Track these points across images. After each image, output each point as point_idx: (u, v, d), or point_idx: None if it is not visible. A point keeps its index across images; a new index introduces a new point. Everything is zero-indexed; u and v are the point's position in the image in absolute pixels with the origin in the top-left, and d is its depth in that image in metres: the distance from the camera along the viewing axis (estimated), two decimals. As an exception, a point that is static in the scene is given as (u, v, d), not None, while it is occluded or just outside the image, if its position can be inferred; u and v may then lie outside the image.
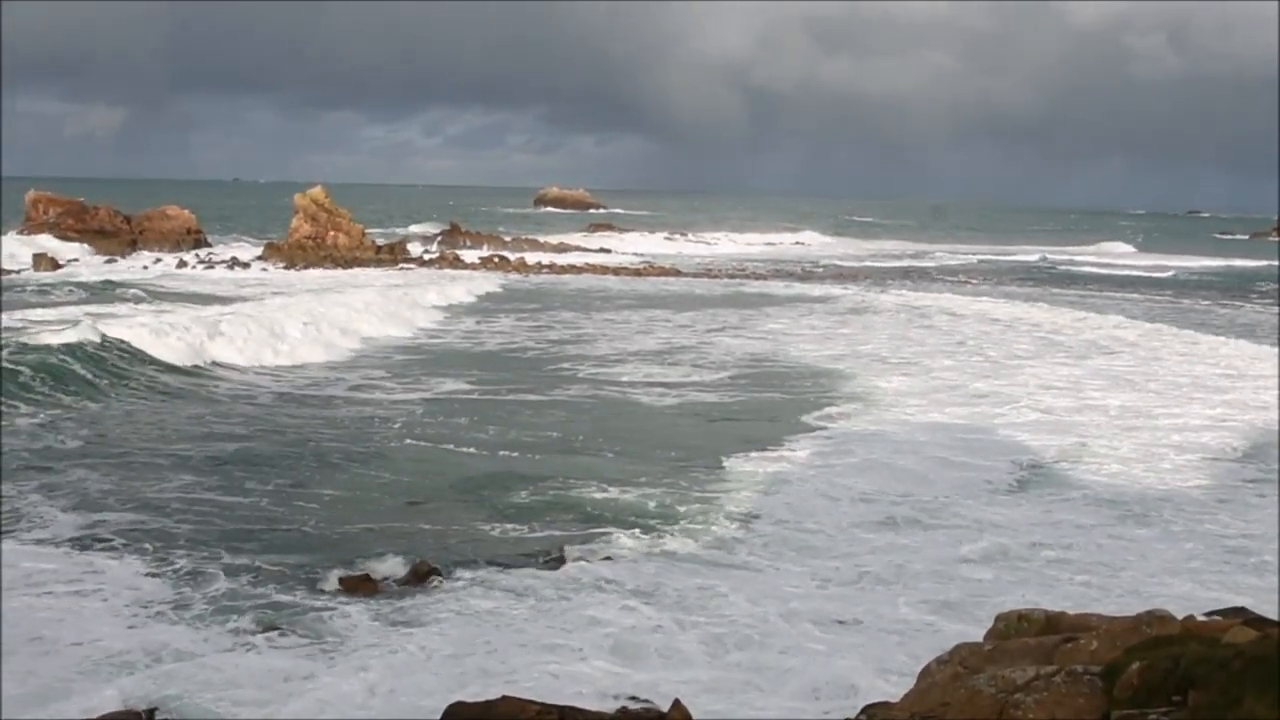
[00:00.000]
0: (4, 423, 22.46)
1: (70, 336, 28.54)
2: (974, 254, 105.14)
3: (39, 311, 39.31)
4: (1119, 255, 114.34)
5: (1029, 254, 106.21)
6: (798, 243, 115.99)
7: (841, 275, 74.58)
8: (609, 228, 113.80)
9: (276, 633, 12.52)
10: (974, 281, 72.88)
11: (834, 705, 11.04)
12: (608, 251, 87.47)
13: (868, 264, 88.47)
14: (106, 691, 10.90)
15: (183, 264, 62.93)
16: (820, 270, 79.04)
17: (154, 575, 14.39)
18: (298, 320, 35.92)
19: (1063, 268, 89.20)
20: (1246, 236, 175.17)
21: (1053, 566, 15.68)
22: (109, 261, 63.34)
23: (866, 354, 36.24)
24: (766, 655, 12.33)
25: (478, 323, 43.54)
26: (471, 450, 22.15)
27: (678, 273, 70.11)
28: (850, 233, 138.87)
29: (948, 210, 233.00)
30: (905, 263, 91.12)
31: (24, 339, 28.23)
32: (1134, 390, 30.29)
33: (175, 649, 12.03)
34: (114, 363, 28.62)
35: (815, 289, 62.03)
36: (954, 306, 52.90)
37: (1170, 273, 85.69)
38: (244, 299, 45.78)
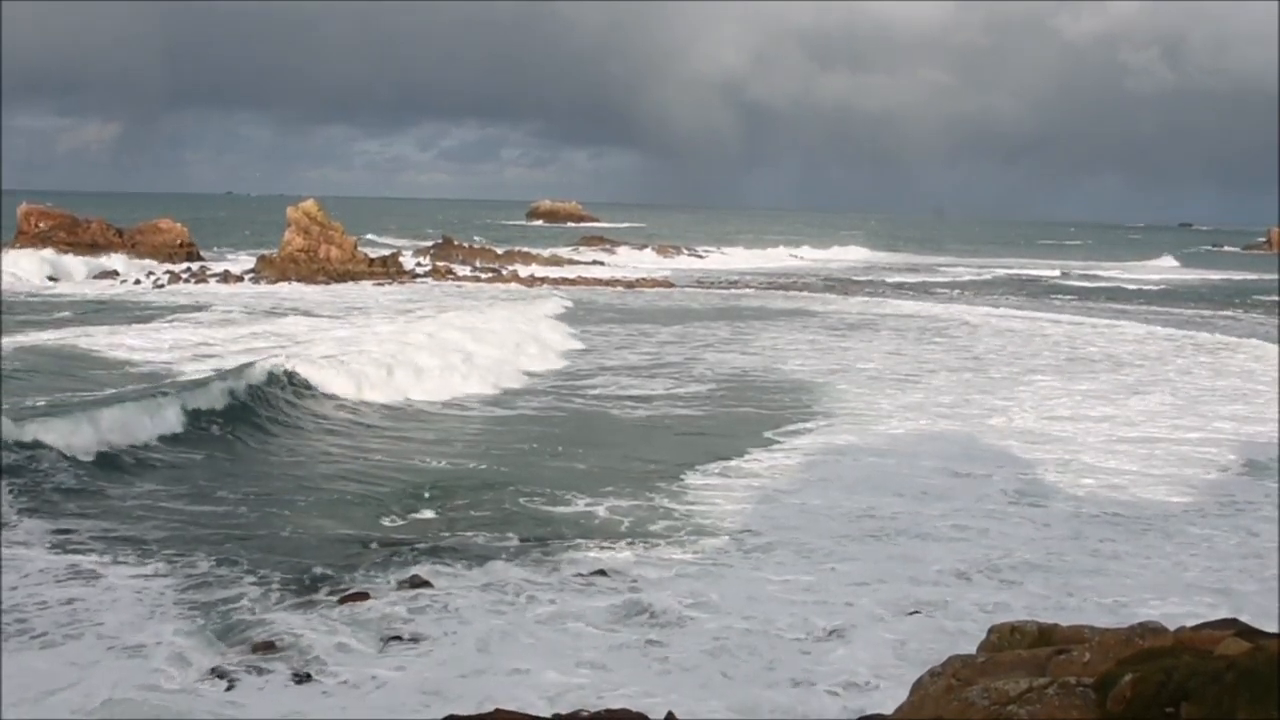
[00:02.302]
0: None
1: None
2: (996, 267, 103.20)
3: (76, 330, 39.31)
4: (1166, 270, 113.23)
5: (1055, 268, 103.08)
6: (793, 255, 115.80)
7: (845, 288, 73.87)
8: (602, 241, 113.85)
9: (271, 652, 12.45)
10: (990, 294, 72.11)
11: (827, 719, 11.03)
12: (601, 265, 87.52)
13: (871, 277, 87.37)
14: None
15: (175, 278, 62.78)
16: (824, 283, 77.97)
17: (153, 585, 14.36)
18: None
19: (1088, 283, 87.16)
20: (1238, 249, 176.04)
21: (1046, 578, 15.68)
22: (100, 276, 63.17)
23: (863, 369, 35.98)
24: (760, 665, 12.31)
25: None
26: (445, 464, 22.24)
27: (671, 285, 70.11)
28: (849, 244, 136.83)
29: (947, 214, 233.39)
30: (915, 277, 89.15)
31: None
32: (1141, 402, 30.31)
33: (168, 671, 12.00)
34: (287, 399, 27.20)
35: (816, 304, 61.41)
36: (966, 318, 52.71)
37: (1160, 287, 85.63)
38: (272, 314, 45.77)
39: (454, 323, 39.43)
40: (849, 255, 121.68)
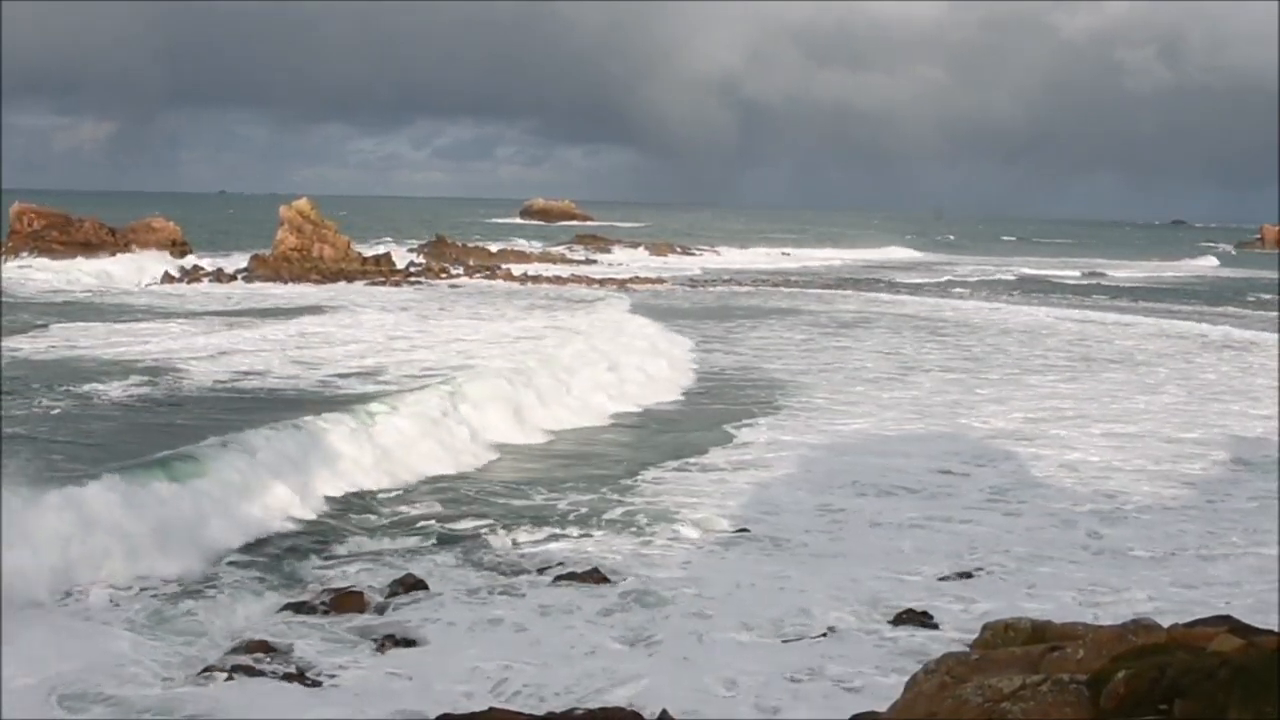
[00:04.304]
0: None
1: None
2: (1010, 266, 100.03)
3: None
4: (1206, 269, 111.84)
5: (1078, 268, 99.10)
6: (784, 253, 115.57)
7: (846, 286, 72.94)
8: (596, 240, 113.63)
9: (264, 652, 12.38)
10: (1002, 293, 70.92)
11: (821, 717, 11.02)
12: (594, 263, 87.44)
13: (875, 276, 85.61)
14: None
15: (169, 278, 62.41)
16: (823, 282, 76.57)
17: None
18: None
19: (1110, 282, 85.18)
20: (1231, 246, 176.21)
21: (1039, 575, 15.68)
22: (93, 276, 62.75)
23: (853, 368, 35.63)
24: (751, 660, 12.29)
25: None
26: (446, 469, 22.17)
27: (664, 284, 69.85)
28: (847, 244, 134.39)
29: (947, 213, 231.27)
30: (921, 276, 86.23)
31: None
32: (1144, 400, 30.33)
33: (161, 669, 11.96)
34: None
35: (814, 302, 60.49)
36: (971, 317, 52.36)
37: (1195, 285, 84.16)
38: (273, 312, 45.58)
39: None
40: (847, 255, 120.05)
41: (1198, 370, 36.54)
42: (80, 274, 62.16)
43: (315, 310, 46.94)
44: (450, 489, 19.97)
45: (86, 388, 26.69)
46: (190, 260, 70.00)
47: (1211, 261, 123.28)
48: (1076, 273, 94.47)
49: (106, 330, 38.63)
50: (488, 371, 28.12)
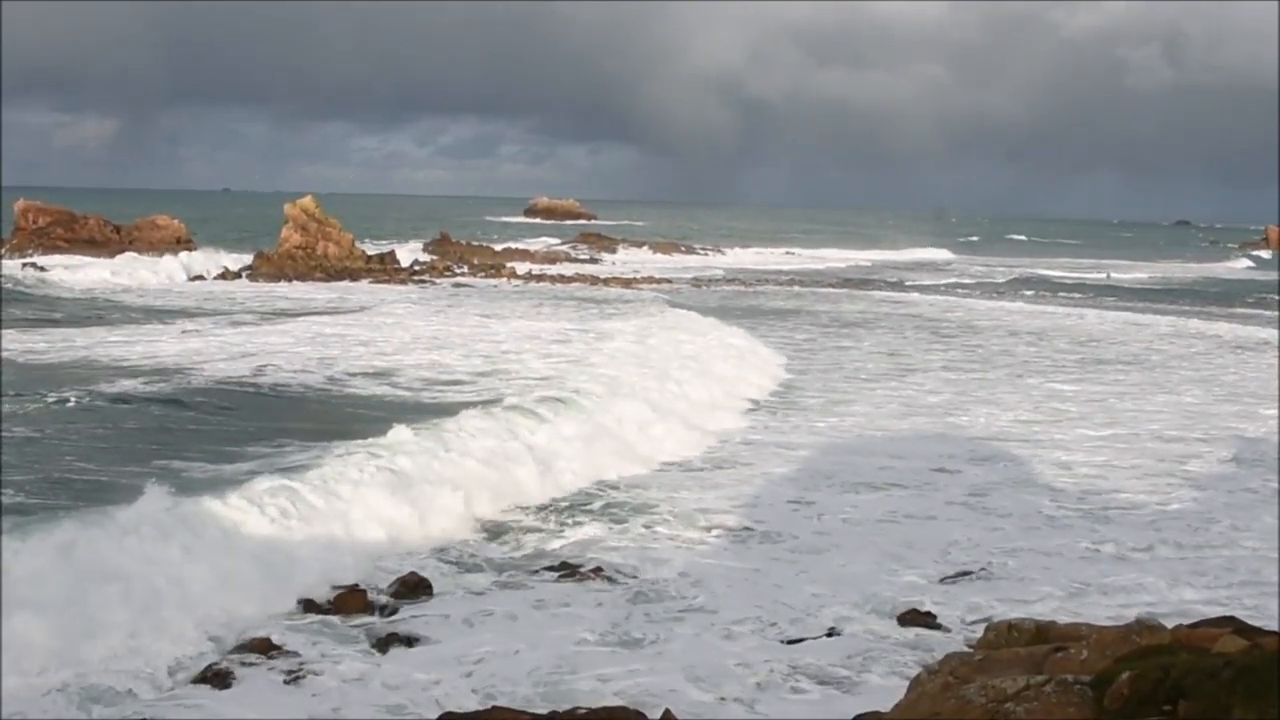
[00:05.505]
0: None
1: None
2: (1023, 267, 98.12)
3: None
4: (1238, 271, 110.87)
5: (1104, 269, 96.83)
6: (788, 252, 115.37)
7: (854, 286, 72.44)
8: (599, 238, 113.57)
9: (265, 651, 12.37)
10: (1013, 293, 70.08)
11: (824, 717, 11.02)
12: (598, 262, 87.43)
13: (882, 276, 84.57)
14: None
15: (176, 276, 62.30)
16: (829, 281, 75.47)
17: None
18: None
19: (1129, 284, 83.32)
20: (1235, 246, 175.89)
21: (1037, 575, 15.67)
22: (99, 276, 62.70)
23: (852, 368, 35.35)
24: (752, 659, 12.29)
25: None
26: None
27: (667, 282, 69.62)
28: (867, 245, 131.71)
29: (948, 212, 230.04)
30: (932, 277, 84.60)
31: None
32: (1148, 401, 30.18)
33: (161, 668, 11.95)
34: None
35: (821, 302, 59.85)
36: (977, 320, 51.88)
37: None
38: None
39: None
40: (852, 255, 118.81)
41: (1214, 371, 36.38)
42: (85, 271, 62.05)
43: (326, 311, 46.50)
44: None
45: (93, 388, 25.55)
46: (195, 258, 70.02)
47: (1244, 263, 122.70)
48: (1103, 275, 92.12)
49: (108, 331, 38.31)
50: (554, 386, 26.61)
